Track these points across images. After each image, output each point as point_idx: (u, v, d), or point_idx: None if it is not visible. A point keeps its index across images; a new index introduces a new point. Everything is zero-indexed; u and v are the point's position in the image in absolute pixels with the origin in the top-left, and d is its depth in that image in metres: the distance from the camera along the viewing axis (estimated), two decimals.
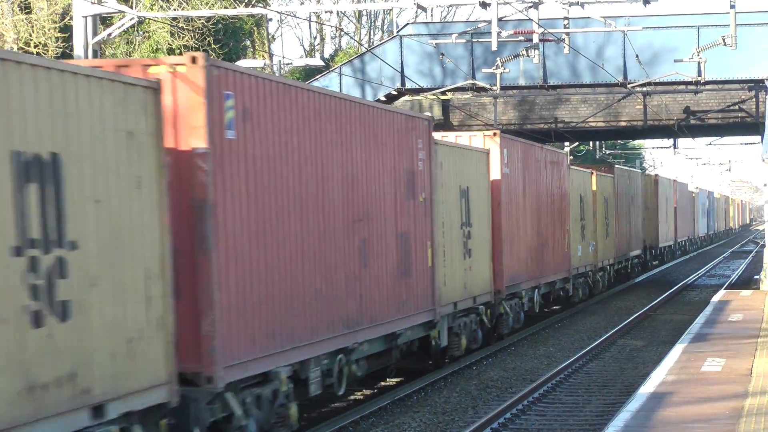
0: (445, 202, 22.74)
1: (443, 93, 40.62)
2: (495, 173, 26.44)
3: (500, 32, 29.97)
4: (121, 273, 11.51)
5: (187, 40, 42.28)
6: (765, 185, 35.81)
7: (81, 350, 10.79)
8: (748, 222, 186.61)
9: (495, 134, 26.72)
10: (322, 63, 41.93)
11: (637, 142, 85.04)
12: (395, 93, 40.50)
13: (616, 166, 49.91)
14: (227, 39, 46.86)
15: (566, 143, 57.50)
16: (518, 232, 28.49)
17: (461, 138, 26.12)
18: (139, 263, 11.83)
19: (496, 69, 37.25)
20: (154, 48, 41.74)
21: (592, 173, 40.31)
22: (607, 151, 76.83)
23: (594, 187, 40.19)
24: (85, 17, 24.44)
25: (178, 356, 12.40)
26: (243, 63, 39.61)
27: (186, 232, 13.17)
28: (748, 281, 46.31)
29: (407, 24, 42.16)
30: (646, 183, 56.07)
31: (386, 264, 19.08)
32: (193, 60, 13.19)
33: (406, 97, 41.94)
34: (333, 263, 16.76)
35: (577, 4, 30.19)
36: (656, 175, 60.75)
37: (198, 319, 13.20)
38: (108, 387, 11.20)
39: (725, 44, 32.78)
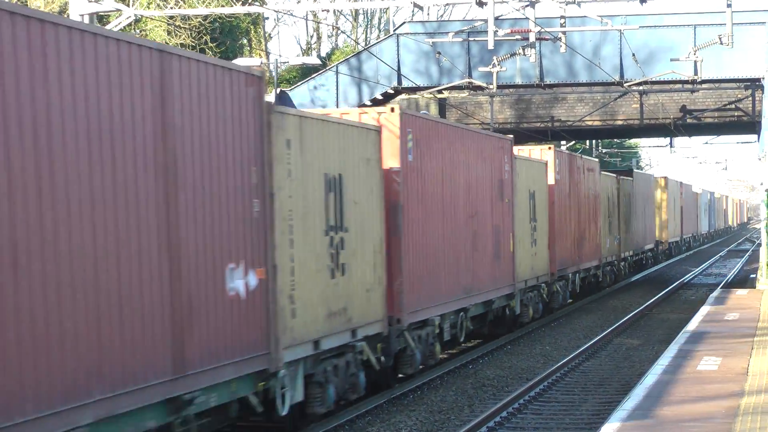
0: (520, 203, 28.79)
1: (440, 92, 40.64)
2: (550, 179, 33.15)
3: (497, 31, 29.98)
4: (364, 247, 18.17)
5: (184, 39, 42.27)
6: (761, 184, 35.83)
7: (348, 294, 17.50)
8: (745, 220, 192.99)
9: (550, 148, 33.55)
10: (318, 61, 41.92)
11: (633, 141, 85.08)
12: (392, 92, 40.51)
13: (635, 170, 55.62)
14: (224, 37, 46.86)
15: (563, 142, 57.52)
16: (565, 226, 34.99)
17: (523, 152, 31.95)
18: (370, 242, 18.45)
19: (493, 68, 37.27)
20: None
21: (617, 177, 47.06)
22: (604, 150, 76.85)
23: (618, 189, 46.65)
24: (83, 15, 24.43)
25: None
26: (239, 61, 39.61)
27: (387, 223, 19.38)
28: (744, 280, 46.35)
29: (404, 22, 42.18)
30: (657, 184, 61.94)
31: (487, 249, 25.46)
32: (392, 110, 20.00)
33: (403, 96, 41.96)
34: (458, 248, 23.27)
35: (574, 2, 30.21)
36: (665, 177, 64.58)
37: (392, 280, 19.50)
38: (359, 318, 17.88)
39: (722, 43, 32.81)
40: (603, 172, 43.95)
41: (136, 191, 11.58)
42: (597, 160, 42.77)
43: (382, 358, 19.33)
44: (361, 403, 19.07)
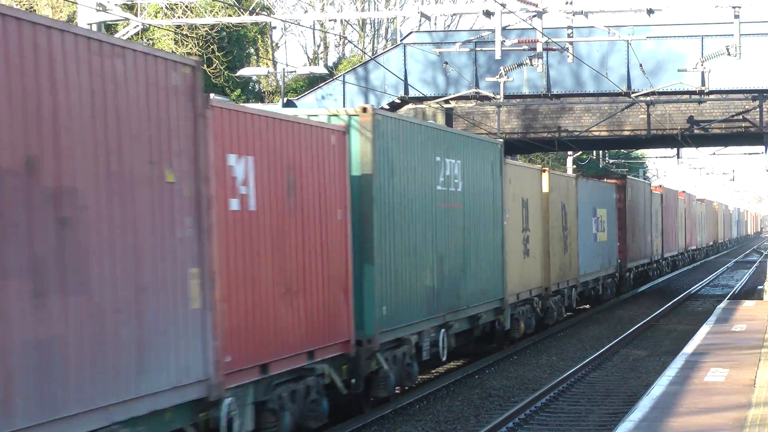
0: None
1: (446, 101, 40.62)
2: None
3: (504, 41, 29.97)
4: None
5: (191, 48, 42.32)
6: None
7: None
8: (759, 230, 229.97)
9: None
10: (325, 71, 41.93)
11: (640, 152, 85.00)
12: (398, 101, 40.51)
13: (682, 191, 69.71)
14: (231, 47, 46.91)
15: (569, 152, 57.47)
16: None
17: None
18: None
19: (500, 78, 37.25)
20: None
21: (661, 194, 57.80)
22: (611, 161, 76.78)
23: (659, 204, 57.64)
24: (90, 24, 24.46)
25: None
26: (246, 71, 39.62)
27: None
28: (751, 291, 46.25)
29: (411, 32, 42.17)
30: (709, 208, 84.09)
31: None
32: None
33: (410, 106, 41.94)
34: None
35: (581, 13, 30.19)
36: (704, 199, 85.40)
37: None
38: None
39: (729, 54, 32.75)
40: (656, 192, 53.01)
41: None
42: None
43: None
44: (367, 413, 19.00)
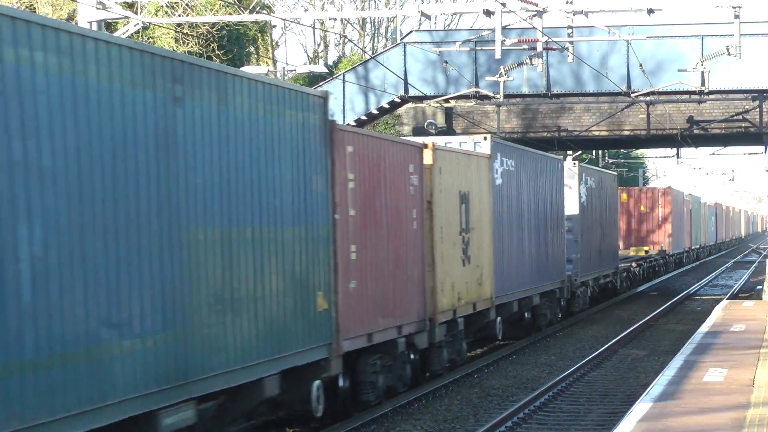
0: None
1: (446, 101, 40.63)
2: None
3: (504, 40, 29.98)
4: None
5: (191, 46, 42.33)
6: None
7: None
8: (765, 229, 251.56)
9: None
10: (325, 70, 41.93)
11: (639, 151, 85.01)
12: (398, 100, 40.52)
13: (691, 194, 73.54)
14: (231, 45, 46.90)
15: (569, 152, 57.48)
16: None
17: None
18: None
19: (500, 77, 37.26)
20: None
21: (688, 199, 67.12)
22: (610, 160, 76.78)
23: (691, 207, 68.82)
24: (90, 23, 24.46)
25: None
26: (247, 69, 39.59)
27: None
28: (750, 291, 46.26)
29: (411, 31, 42.18)
30: (721, 209, 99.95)
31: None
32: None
33: (410, 105, 41.95)
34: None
35: (581, 13, 30.20)
36: (716, 202, 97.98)
37: None
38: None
39: (729, 54, 32.78)
40: (686, 198, 61.53)
41: None
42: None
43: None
44: (366, 411, 19.03)
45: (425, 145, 21.72)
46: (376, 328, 18.76)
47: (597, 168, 43.38)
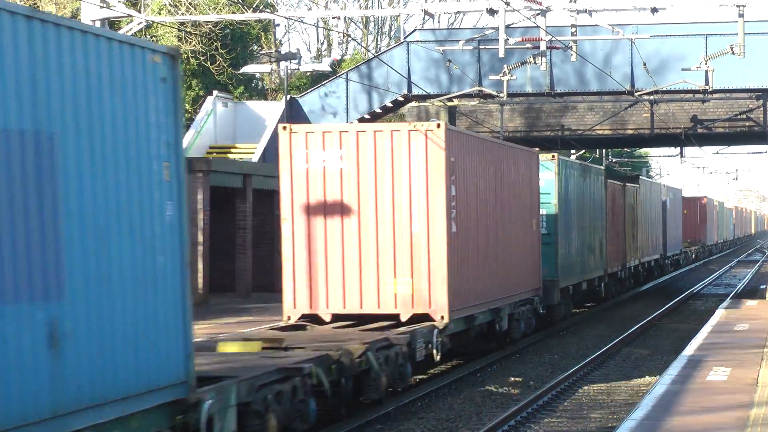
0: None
1: (450, 99, 40.63)
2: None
3: (507, 39, 29.96)
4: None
5: (194, 45, 42.33)
6: None
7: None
8: None
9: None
10: (329, 68, 41.95)
11: (643, 150, 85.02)
12: (402, 99, 40.51)
13: (710, 198, 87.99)
14: (234, 44, 46.90)
15: (572, 151, 57.48)
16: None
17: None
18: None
19: (503, 76, 37.24)
20: None
21: (716, 204, 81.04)
22: (614, 160, 76.78)
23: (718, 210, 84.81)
24: (94, 21, 24.46)
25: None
26: (249, 68, 39.63)
27: None
28: (754, 291, 46.23)
29: (414, 30, 42.17)
30: (738, 211, 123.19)
31: None
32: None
33: (413, 104, 41.95)
34: None
35: (585, 11, 30.17)
36: (735, 206, 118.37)
37: None
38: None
39: (733, 53, 32.74)
40: (716, 204, 74.64)
41: None
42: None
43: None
44: (369, 410, 19.01)
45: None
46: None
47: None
